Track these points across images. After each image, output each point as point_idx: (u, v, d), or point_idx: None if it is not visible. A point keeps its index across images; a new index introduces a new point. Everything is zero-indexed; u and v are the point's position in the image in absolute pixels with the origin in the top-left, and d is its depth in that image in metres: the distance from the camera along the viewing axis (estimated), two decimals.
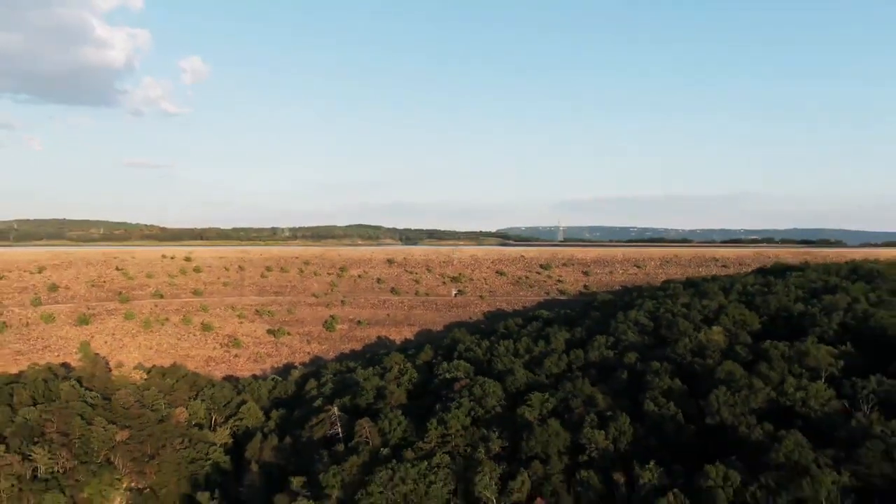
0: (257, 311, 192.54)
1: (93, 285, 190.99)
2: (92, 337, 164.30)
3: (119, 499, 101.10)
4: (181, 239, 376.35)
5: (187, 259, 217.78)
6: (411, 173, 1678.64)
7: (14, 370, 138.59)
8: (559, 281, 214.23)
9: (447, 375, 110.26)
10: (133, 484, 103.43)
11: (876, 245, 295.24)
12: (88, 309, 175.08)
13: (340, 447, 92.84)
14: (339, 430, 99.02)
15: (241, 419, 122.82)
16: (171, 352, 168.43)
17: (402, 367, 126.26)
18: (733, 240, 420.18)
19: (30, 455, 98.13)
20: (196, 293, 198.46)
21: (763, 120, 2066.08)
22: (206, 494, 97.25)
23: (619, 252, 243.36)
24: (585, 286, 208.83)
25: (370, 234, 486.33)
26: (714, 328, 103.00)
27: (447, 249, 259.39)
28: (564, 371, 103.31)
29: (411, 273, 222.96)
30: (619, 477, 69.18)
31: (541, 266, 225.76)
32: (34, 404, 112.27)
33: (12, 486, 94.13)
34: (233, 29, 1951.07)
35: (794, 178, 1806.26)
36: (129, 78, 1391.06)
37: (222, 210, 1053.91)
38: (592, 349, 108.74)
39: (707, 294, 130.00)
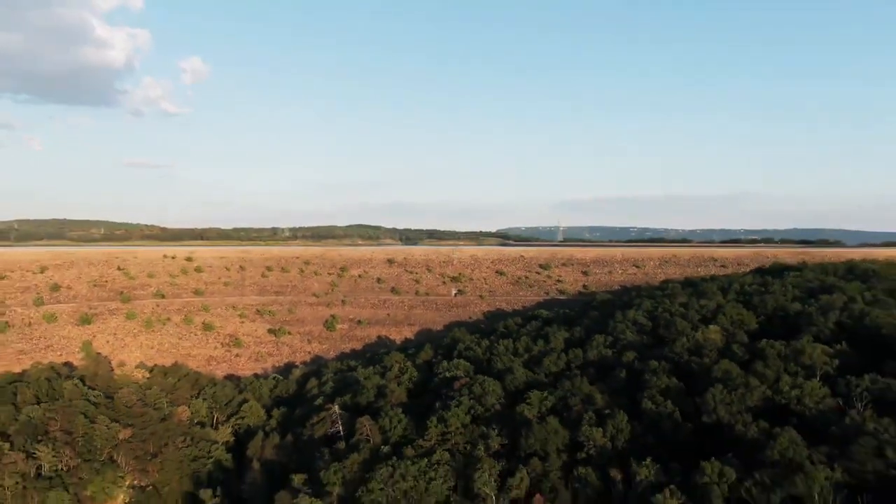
0: (258, 310, 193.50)
1: (95, 285, 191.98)
2: (94, 336, 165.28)
3: (122, 496, 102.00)
4: (182, 239, 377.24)
5: (188, 259, 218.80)
6: (411, 173, 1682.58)
7: (17, 369, 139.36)
8: (558, 281, 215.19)
9: (447, 374, 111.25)
10: (136, 482, 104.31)
11: (874, 245, 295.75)
12: (90, 309, 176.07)
13: (341, 445, 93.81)
14: (340, 428, 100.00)
15: (242, 418, 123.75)
16: (173, 351, 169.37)
17: (402, 366, 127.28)
18: (733, 240, 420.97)
19: (34, 453, 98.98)
20: (197, 293, 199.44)
21: (763, 120, 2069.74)
22: (209, 492, 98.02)
23: (618, 252, 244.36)
24: (585, 286, 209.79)
25: (370, 234, 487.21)
26: (711, 327, 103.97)
27: (447, 249, 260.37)
28: (563, 370, 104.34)
29: (411, 273, 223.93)
30: (616, 474, 70.17)
31: (540, 266, 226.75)
32: (38, 403, 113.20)
33: (17, 483, 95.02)
34: (233, 29, 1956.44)
35: (794, 178, 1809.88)
36: (129, 78, 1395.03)
37: (222, 210, 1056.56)
38: (591, 348, 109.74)
39: (705, 294, 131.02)
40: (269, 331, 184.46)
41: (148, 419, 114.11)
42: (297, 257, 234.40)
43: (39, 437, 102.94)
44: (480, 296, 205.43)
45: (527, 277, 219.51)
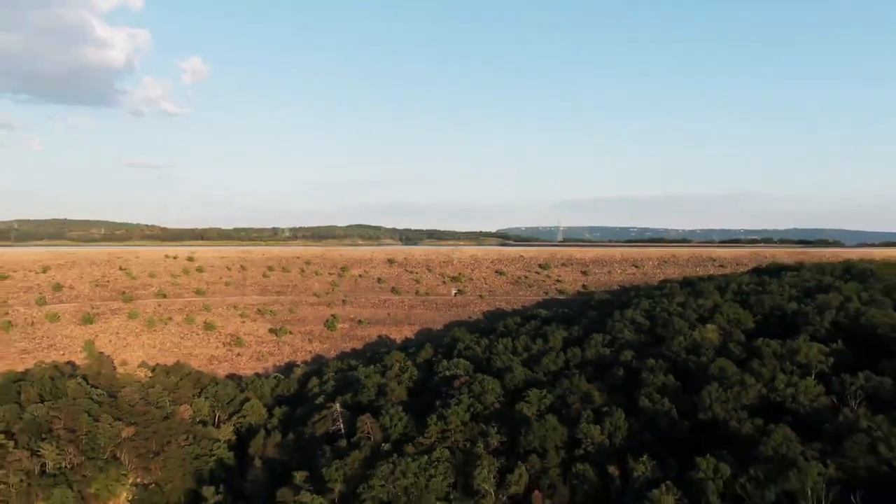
0: (259, 310, 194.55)
1: (97, 285, 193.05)
2: (96, 336, 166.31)
3: (125, 494, 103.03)
4: (182, 239, 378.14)
5: (190, 259, 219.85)
6: (411, 173, 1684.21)
7: (20, 368, 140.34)
8: (558, 281, 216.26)
9: (447, 373, 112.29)
10: (139, 479, 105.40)
11: (873, 245, 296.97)
12: (92, 308, 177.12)
13: (343, 442, 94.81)
14: (342, 426, 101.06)
15: (244, 416, 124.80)
16: (175, 350, 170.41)
17: (402, 364, 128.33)
18: (733, 240, 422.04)
19: (38, 451, 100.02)
20: (199, 293, 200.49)
21: (763, 120, 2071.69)
22: (211, 489, 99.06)
23: (617, 252, 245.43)
24: (584, 286, 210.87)
25: (370, 234, 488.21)
26: (708, 326, 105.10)
27: (447, 249, 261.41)
28: (562, 368, 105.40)
29: (411, 273, 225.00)
30: (613, 470, 71.19)
31: (540, 266, 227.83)
32: (41, 401, 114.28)
33: (21, 481, 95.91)
34: (233, 29, 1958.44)
35: (794, 178, 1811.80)
36: (129, 78, 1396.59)
37: (222, 210, 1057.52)
38: (589, 347, 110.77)
39: (703, 293, 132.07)
40: (271, 330, 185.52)
41: (151, 418, 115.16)
42: (298, 257, 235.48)
43: (43, 435, 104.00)
44: (480, 295, 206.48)
45: (526, 277, 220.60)
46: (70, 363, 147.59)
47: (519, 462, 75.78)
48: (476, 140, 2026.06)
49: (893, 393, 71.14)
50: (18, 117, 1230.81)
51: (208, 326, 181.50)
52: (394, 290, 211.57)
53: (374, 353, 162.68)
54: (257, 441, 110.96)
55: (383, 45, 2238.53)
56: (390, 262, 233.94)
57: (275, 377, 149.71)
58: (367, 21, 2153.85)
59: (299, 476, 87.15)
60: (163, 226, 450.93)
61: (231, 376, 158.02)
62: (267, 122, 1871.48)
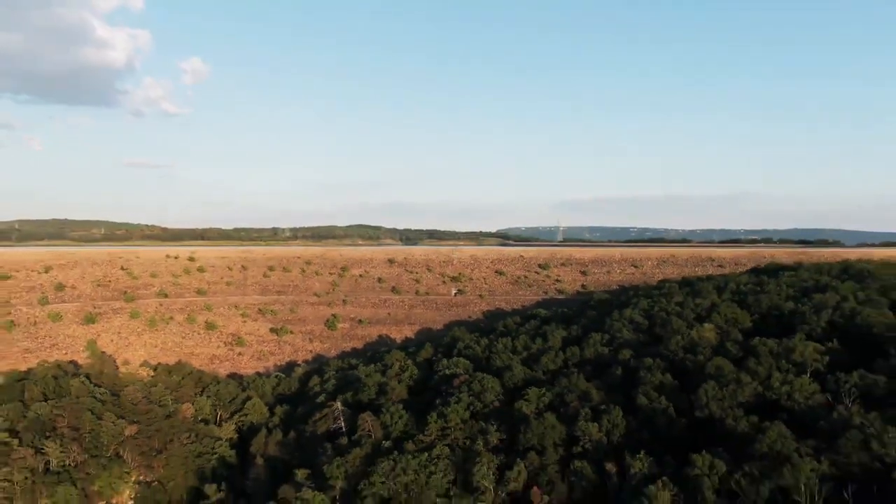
0: (260, 310, 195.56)
1: (98, 285, 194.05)
2: (98, 335, 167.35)
3: (128, 491, 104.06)
4: (182, 239, 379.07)
5: (191, 259, 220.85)
6: (411, 173, 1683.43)
7: (23, 367, 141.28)
8: (557, 280, 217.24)
9: (447, 372, 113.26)
10: (142, 477, 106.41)
11: (873, 245, 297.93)
12: (94, 308, 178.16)
13: (344, 440, 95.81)
14: (342, 424, 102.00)
15: (245, 415, 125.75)
16: (176, 350, 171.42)
17: (402, 364, 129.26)
18: (732, 240, 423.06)
19: (42, 449, 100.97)
20: (200, 292, 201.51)
21: (763, 120, 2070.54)
22: (213, 487, 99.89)
23: (616, 252, 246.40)
24: (583, 286, 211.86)
25: (370, 234, 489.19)
26: (706, 326, 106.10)
27: (447, 249, 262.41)
28: (561, 367, 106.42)
29: (412, 273, 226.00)
30: (611, 467, 72.22)
31: (539, 266, 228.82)
32: (45, 400, 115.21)
33: (26, 478, 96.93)
34: (233, 29, 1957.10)
35: (794, 178, 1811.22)
36: (129, 78, 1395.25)
37: (222, 210, 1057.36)
38: (588, 346, 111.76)
39: (701, 293, 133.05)
40: (272, 330, 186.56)
41: (153, 416, 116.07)
42: (299, 257, 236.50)
43: (47, 434, 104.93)
44: (480, 295, 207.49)
45: (526, 277, 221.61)
46: (73, 362, 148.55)
47: (518, 459, 76.83)
48: (476, 140, 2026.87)
49: (887, 391, 72.23)
50: (18, 117, 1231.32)
51: (210, 326, 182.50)
52: (394, 290, 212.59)
53: (375, 352, 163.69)
54: (259, 439, 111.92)
55: (383, 45, 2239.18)
56: (390, 262, 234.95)
57: (276, 376, 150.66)
58: (367, 21, 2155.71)
59: (301, 473, 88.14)
60: (163, 226, 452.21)
61: (232, 375, 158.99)
62: (267, 122, 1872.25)
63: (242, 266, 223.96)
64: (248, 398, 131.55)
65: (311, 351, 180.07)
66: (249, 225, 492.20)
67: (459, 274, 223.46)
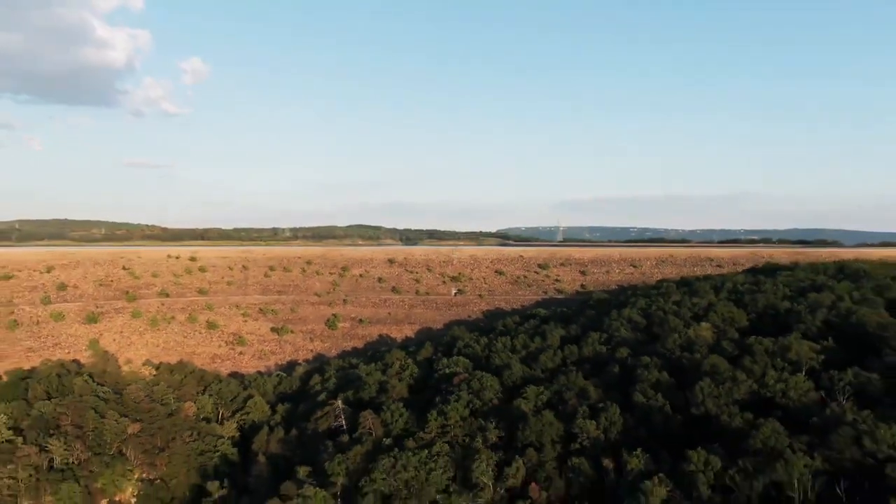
0: (261, 309, 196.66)
1: (100, 284, 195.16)
2: (101, 334, 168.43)
3: (131, 489, 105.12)
4: (183, 239, 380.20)
5: (192, 259, 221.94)
6: (411, 173, 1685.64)
7: (26, 366, 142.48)
8: (557, 280, 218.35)
9: (447, 370, 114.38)
10: (144, 475, 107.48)
11: (871, 245, 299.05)
12: (97, 307, 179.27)
13: (345, 438, 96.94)
14: (343, 422, 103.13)
15: (247, 413, 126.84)
16: (178, 349, 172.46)
17: (403, 362, 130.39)
18: (732, 240, 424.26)
19: (46, 447, 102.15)
20: (201, 292, 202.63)
21: (763, 120, 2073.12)
22: (216, 484, 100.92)
23: (616, 252, 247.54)
24: (582, 285, 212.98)
25: (370, 234, 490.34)
26: (702, 324, 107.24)
27: (447, 249, 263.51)
28: (559, 366, 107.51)
29: (412, 273, 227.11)
30: (608, 463, 73.28)
31: (539, 266, 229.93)
32: (49, 398, 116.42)
33: (30, 476, 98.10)
34: (233, 29, 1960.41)
35: (794, 178, 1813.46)
36: (129, 78, 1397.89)
37: (222, 210, 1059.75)
38: (586, 345, 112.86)
39: (698, 292, 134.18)
40: (272, 329, 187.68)
41: (156, 414, 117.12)
42: (299, 257, 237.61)
43: (51, 432, 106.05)
44: (480, 295, 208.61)
45: (525, 277, 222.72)
46: (75, 361, 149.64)
47: (516, 456, 77.87)
48: (476, 140, 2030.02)
49: (880, 389, 73.28)
50: (18, 117, 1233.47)
51: (211, 325, 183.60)
52: (394, 290, 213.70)
53: (375, 351, 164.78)
54: (261, 437, 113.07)
55: (383, 45, 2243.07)
56: (390, 261, 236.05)
57: (277, 375, 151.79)
58: (367, 21, 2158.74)
59: (302, 470, 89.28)
60: (163, 226, 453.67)
61: (234, 375, 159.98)
62: (267, 122, 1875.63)
63: (243, 266, 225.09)
64: (250, 397, 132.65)
65: (311, 350, 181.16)
66: (249, 225, 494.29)
67: (459, 274, 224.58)
